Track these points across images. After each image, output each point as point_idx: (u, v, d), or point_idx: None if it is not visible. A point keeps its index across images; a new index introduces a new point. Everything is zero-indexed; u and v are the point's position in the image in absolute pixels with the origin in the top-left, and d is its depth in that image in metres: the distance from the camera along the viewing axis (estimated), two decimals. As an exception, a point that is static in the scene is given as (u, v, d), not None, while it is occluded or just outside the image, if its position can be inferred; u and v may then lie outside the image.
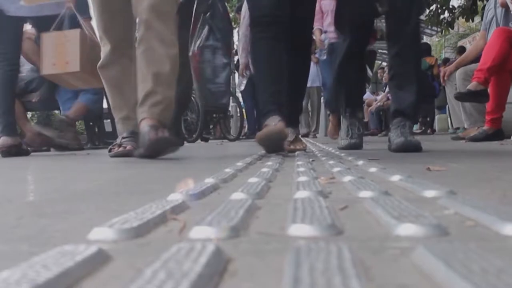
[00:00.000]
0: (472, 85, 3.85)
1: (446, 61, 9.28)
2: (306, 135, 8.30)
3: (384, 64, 13.00)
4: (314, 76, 8.25)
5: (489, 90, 3.94)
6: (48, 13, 3.14)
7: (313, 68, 7.64)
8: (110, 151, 2.64)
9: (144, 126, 2.23)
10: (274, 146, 2.21)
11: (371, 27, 2.92)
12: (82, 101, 4.34)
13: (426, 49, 8.73)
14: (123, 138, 2.63)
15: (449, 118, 8.38)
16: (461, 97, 4.01)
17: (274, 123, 2.15)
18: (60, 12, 3.01)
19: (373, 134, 8.94)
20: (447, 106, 10.28)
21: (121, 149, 2.57)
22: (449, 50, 17.93)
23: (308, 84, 6.59)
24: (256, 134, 2.25)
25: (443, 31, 10.50)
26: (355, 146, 2.88)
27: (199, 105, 6.85)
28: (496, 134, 4.02)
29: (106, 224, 0.53)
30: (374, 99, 10.24)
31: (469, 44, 13.14)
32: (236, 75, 8.02)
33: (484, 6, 9.52)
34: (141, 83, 2.33)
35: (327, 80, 6.64)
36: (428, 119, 9.54)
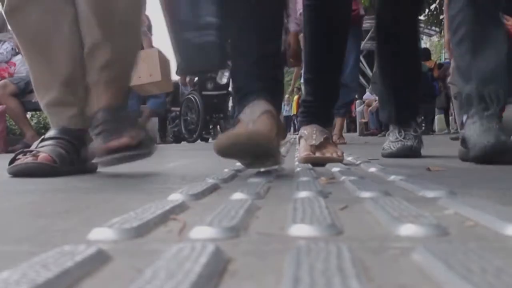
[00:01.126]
0: None
1: (441, 66, 9.26)
2: None
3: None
4: None
5: None
6: None
7: None
8: (11, 162, 1.46)
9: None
10: (254, 158, 1.22)
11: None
12: (150, 106, 4.95)
13: (425, 54, 8.73)
14: (42, 140, 1.51)
15: (450, 118, 8.40)
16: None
17: (252, 116, 1.24)
18: None
19: (373, 134, 8.95)
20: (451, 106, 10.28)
21: (28, 159, 1.43)
22: (449, 50, 17.94)
23: None
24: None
25: (443, 31, 10.51)
26: (410, 151, 2.01)
27: (199, 105, 6.86)
28: None
29: (106, 224, 0.53)
30: (374, 99, 10.24)
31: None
32: None
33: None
34: (87, 34, 1.46)
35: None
36: (426, 119, 9.57)
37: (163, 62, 3.51)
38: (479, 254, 0.38)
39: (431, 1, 9.32)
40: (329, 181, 1.04)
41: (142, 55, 2.99)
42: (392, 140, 2.08)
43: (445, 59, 16.61)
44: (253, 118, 1.22)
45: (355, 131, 11.52)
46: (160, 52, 3.57)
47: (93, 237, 0.51)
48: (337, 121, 5.26)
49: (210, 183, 0.97)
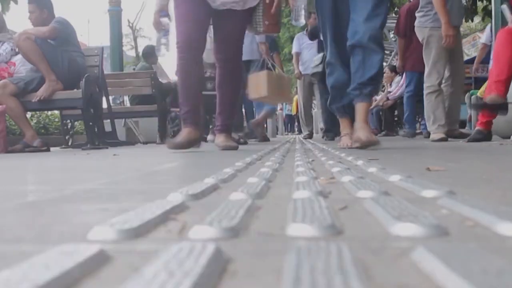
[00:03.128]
0: (491, 98, 3.75)
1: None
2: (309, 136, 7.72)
3: (384, 64, 12.99)
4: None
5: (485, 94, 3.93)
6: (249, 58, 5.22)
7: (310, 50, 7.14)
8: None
9: None
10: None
11: None
12: (267, 108, 6.26)
13: None
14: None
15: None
16: (482, 107, 3.96)
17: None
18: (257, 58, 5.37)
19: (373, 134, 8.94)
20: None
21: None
22: (448, 50, 17.92)
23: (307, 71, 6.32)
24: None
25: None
26: None
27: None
28: (488, 135, 4.04)
29: (106, 224, 0.53)
30: (374, 99, 10.23)
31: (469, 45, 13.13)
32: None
33: (485, 6, 9.54)
34: None
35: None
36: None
37: (273, 80, 4.50)
38: (479, 254, 0.38)
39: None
40: (329, 181, 1.04)
41: (257, 76, 4.59)
42: None
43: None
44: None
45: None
46: (269, 73, 4.59)
47: (93, 237, 0.51)
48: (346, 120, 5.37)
49: (210, 183, 0.97)
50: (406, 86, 6.47)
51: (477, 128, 4.04)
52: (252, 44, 5.23)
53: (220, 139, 3.37)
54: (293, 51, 7.64)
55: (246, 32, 3.64)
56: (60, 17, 4.86)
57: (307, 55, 7.26)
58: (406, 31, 5.73)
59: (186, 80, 3.21)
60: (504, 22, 6.27)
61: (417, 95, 5.93)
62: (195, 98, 3.24)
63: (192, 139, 3.09)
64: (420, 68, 5.30)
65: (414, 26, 4.99)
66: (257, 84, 4.53)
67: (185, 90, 3.22)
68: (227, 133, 3.42)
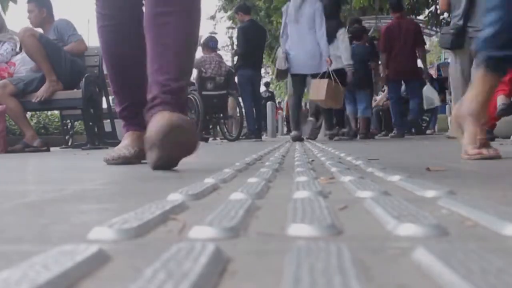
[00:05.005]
0: (502, 99, 3.81)
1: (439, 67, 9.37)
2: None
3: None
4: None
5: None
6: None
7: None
8: None
9: None
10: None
11: None
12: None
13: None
14: None
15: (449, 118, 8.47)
16: (504, 112, 3.97)
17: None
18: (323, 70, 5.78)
19: (373, 134, 8.94)
20: (446, 106, 10.34)
21: None
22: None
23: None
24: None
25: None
26: None
27: (199, 105, 6.86)
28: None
29: (106, 224, 0.53)
30: (374, 99, 10.23)
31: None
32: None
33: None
34: None
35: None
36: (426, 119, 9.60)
37: (330, 87, 5.57)
38: (479, 254, 0.38)
39: (430, 2, 9.36)
40: (329, 181, 1.04)
41: (319, 82, 5.59)
42: None
43: (444, 59, 16.61)
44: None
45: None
46: (329, 82, 5.56)
47: (93, 237, 0.51)
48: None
49: (210, 183, 0.97)
50: (388, 94, 7.54)
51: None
52: (321, 58, 5.66)
53: (162, 119, 1.50)
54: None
55: (314, 47, 5.10)
56: (64, 19, 4.87)
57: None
58: (387, 47, 6.77)
59: (117, 57, 1.99)
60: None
61: (399, 100, 7.02)
62: (135, 83, 1.96)
63: (141, 150, 1.81)
64: (393, 77, 6.74)
65: (392, 42, 6.52)
66: (318, 88, 5.54)
67: (116, 76, 2.02)
68: (175, 110, 1.57)
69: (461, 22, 4.56)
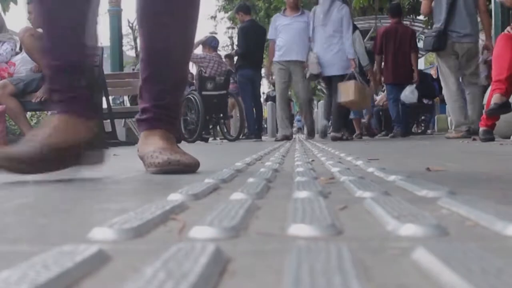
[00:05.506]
0: (496, 98, 3.82)
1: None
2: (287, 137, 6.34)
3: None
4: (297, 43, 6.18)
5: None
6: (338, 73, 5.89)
7: (295, 30, 6.14)
8: None
9: None
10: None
11: None
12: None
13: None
14: None
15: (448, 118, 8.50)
16: (493, 112, 3.99)
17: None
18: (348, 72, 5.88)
19: (373, 134, 8.94)
20: (446, 106, 10.35)
21: None
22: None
23: (290, 57, 6.34)
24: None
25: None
26: None
27: (199, 105, 6.86)
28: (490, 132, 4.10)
29: (106, 224, 0.53)
30: (374, 99, 10.24)
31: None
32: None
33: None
34: None
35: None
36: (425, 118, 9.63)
37: (357, 89, 5.60)
38: (479, 254, 0.38)
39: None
40: (329, 181, 1.04)
41: (347, 84, 5.64)
42: None
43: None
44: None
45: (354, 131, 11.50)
46: (356, 83, 5.65)
47: (93, 237, 0.51)
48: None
49: (210, 183, 0.97)
50: (387, 95, 7.67)
51: (484, 128, 4.05)
52: (347, 61, 5.92)
53: (152, 140, 1.47)
54: (269, 37, 6.75)
55: (341, 49, 5.57)
56: None
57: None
58: (382, 50, 6.87)
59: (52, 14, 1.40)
60: (504, 22, 6.37)
61: (397, 101, 7.16)
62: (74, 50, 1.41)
63: (69, 144, 1.33)
64: (388, 80, 6.97)
65: (388, 45, 6.68)
66: (347, 90, 5.66)
67: (53, 38, 1.41)
68: (167, 128, 1.52)
69: (442, 27, 5.13)
